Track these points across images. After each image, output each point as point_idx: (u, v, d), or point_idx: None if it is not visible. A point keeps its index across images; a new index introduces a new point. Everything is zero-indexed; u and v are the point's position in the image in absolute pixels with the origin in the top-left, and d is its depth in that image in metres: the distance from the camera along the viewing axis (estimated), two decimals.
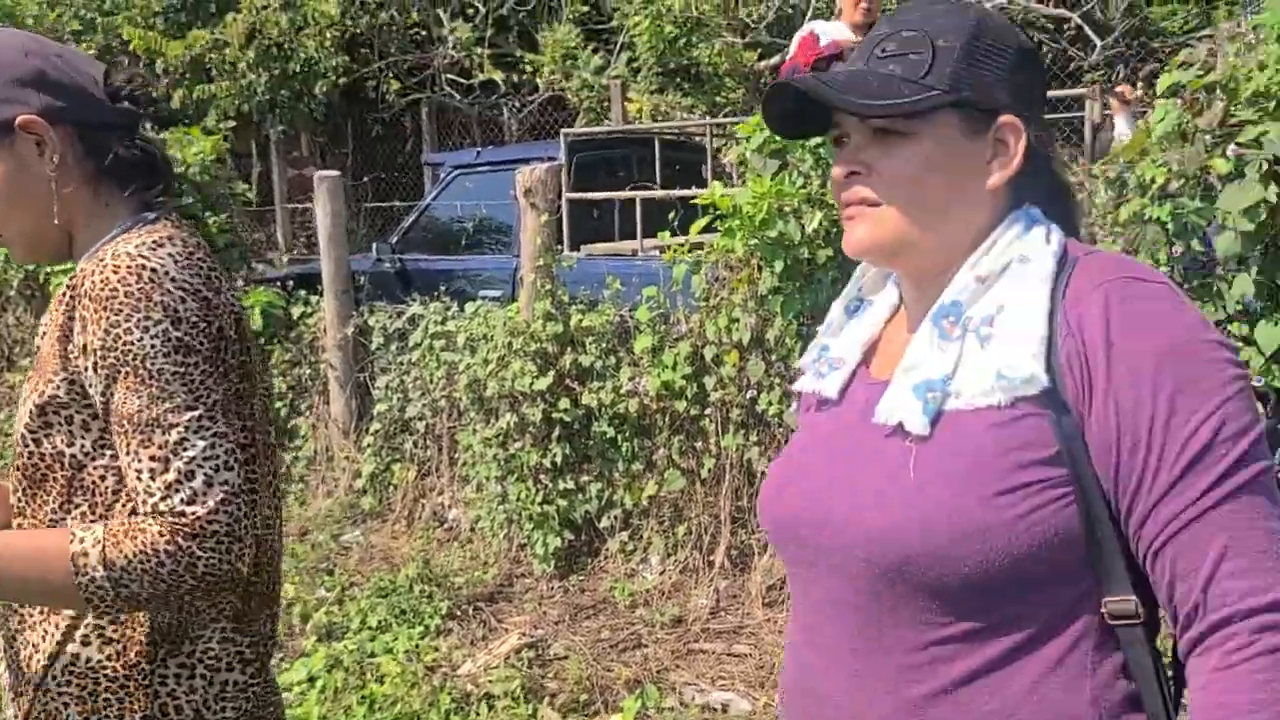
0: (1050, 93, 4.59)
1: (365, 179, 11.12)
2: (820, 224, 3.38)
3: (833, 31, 4.81)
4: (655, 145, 5.60)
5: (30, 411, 1.20)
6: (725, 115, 8.18)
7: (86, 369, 1.16)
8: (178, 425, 1.14)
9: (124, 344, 1.14)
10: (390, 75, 9.99)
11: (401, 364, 4.92)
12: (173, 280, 1.17)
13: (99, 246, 1.25)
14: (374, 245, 6.17)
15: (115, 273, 1.15)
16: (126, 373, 1.14)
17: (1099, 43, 8.51)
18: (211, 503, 1.12)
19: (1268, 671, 0.87)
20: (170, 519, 1.12)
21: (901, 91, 1.00)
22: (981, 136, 1.03)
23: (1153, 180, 2.79)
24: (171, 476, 1.12)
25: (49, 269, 5.45)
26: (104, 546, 1.11)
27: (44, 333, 1.25)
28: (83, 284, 1.17)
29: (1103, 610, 0.96)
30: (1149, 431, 0.92)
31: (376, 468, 4.99)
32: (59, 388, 1.19)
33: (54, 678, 1.23)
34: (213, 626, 1.26)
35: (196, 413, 1.15)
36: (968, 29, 1.03)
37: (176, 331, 1.15)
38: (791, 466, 1.13)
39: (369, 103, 10.47)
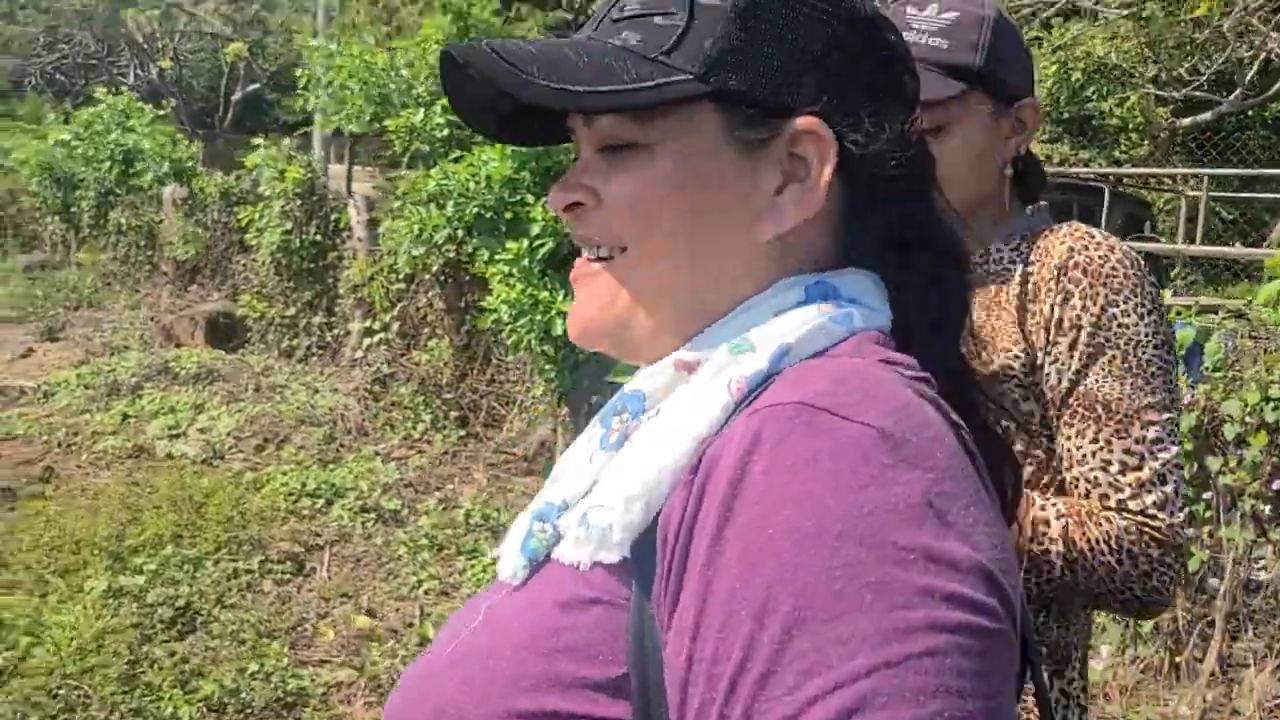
0: None
1: None
2: None
3: None
4: (1105, 194, 5.20)
5: None
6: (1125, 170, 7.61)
7: (1055, 343, 1.12)
8: (1157, 424, 1.08)
9: (1118, 325, 1.10)
10: None
11: None
12: (1148, 272, 1.15)
13: (1015, 233, 1.22)
14: None
15: (1112, 252, 1.13)
16: (1114, 355, 1.09)
17: None
18: (1181, 515, 1.05)
19: None
20: (1139, 519, 1.05)
21: (624, 74, 0.62)
22: (760, 150, 0.65)
23: None
24: (1145, 475, 1.06)
25: (479, 256, 5.76)
26: (1067, 523, 1.06)
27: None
28: (1068, 260, 1.13)
29: None
30: (731, 682, 0.50)
31: None
32: (1013, 360, 1.14)
33: None
34: (1076, 656, 1.14)
35: (1171, 414, 1.09)
36: None
37: (1163, 325, 1.11)
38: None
39: None
